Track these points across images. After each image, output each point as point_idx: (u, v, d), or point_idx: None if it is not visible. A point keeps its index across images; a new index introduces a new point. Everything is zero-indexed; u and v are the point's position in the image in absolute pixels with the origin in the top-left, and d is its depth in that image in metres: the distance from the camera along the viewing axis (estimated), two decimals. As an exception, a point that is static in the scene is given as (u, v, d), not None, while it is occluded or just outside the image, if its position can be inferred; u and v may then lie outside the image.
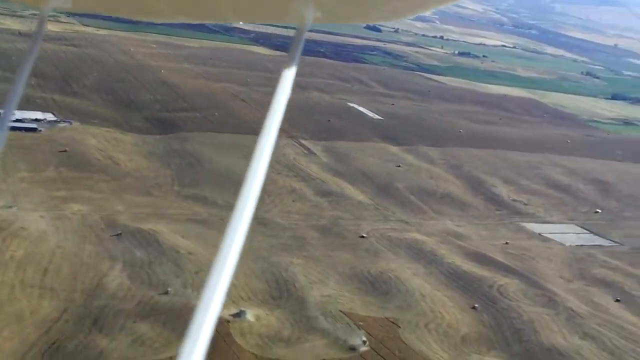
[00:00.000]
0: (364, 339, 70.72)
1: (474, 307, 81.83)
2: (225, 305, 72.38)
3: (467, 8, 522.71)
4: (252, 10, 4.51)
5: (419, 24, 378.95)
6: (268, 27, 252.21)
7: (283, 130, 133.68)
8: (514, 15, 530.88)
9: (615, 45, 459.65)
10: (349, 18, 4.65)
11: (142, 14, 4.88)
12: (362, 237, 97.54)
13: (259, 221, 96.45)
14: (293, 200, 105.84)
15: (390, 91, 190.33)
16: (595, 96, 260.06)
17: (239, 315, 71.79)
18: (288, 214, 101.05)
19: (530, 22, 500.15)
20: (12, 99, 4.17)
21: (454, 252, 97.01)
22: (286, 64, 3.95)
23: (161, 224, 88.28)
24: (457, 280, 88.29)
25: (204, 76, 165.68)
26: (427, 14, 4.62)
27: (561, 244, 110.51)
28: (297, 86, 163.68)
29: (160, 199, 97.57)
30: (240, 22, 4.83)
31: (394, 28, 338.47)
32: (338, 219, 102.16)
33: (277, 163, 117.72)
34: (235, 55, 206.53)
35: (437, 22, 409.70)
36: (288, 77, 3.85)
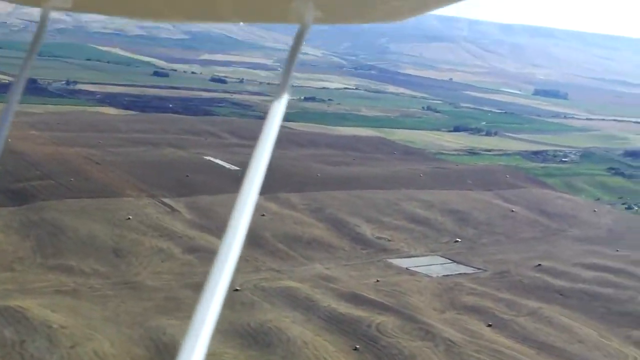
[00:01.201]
0: (253, 393, 70.08)
1: (356, 349, 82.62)
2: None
3: (307, 54, 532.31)
4: (252, 10, 4.52)
5: (262, 73, 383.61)
6: (115, 86, 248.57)
7: (141, 190, 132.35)
8: (352, 57, 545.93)
9: (450, 79, 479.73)
10: (349, 18, 4.68)
11: (143, 14, 4.89)
12: (236, 290, 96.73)
13: (129, 285, 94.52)
14: (162, 261, 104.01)
15: (244, 141, 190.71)
16: (438, 129, 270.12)
17: (121, 385, 69.65)
18: (159, 275, 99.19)
19: (368, 63, 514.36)
20: (12, 100, 4.15)
21: (328, 295, 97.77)
22: (285, 65, 4.03)
23: (28, 299, 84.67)
24: (335, 323, 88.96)
25: (53, 142, 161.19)
26: (426, 14, 4.69)
27: (428, 275, 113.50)
28: (149, 143, 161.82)
29: (24, 273, 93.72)
30: (241, 23, 4.78)
31: (238, 79, 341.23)
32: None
33: (140, 224, 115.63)
34: (84, 118, 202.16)
35: (280, 69, 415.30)
36: (287, 79, 3.94)
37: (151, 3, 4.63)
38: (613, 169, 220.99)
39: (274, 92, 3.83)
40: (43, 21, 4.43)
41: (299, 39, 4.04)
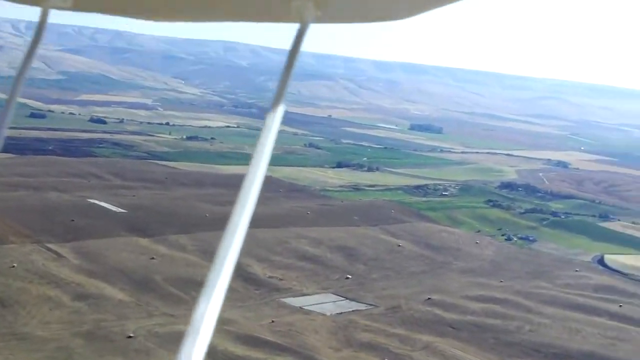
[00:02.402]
0: None
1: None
2: None
3: (185, 92, 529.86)
4: (252, 10, 4.56)
5: (142, 112, 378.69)
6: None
7: (25, 236, 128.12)
8: (232, 96, 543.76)
9: (330, 116, 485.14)
10: (349, 18, 4.64)
11: (143, 14, 4.91)
12: (130, 337, 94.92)
13: (17, 336, 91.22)
14: (50, 309, 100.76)
15: (128, 182, 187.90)
16: (321, 166, 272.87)
17: None
18: (48, 325, 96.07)
19: (248, 101, 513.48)
20: (11, 100, 4.14)
21: (224, 338, 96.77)
22: (286, 64, 4.02)
23: None
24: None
25: None
26: (427, 14, 4.70)
27: (322, 314, 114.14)
28: (31, 187, 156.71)
29: None
30: (241, 22, 4.78)
31: (118, 119, 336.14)
32: (101, 322, 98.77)
33: (26, 271, 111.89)
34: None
35: (160, 108, 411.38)
36: (287, 77, 3.96)
37: (151, 3, 4.67)
38: (491, 201, 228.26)
39: (275, 90, 3.91)
40: (43, 21, 4.41)
41: (299, 39, 4.04)
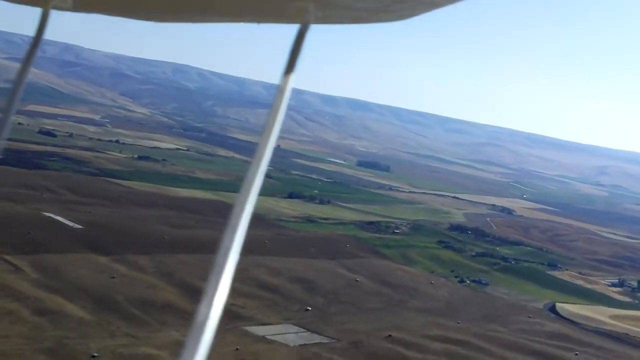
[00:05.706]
0: None
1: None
2: None
3: (134, 112, 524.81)
4: (252, 10, 4.49)
5: (91, 128, 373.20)
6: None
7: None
8: (180, 118, 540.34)
9: (278, 145, 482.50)
10: (349, 19, 4.55)
11: (143, 15, 4.91)
12: (94, 356, 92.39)
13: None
14: (11, 323, 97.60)
15: (83, 198, 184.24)
16: (274, 196, 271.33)
17: None
18: (8, 339, 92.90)
19: (197, 125, 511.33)
20: (12, 101, 4.15)
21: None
22: (287, 65, 3.98)
23: None
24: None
25: None
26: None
27: (285, 344, 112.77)
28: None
29: None
30: (241, 22, 4.62)
31: (67, 133, 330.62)
32: (63, 339, 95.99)
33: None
34: None
35: (109, 125, 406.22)
36: (288, 79, 3.91)
37: (151, 4, 4.69)
38: (443, 242, 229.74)
39: (276, 90, 3.83)
40: (43, 21, 4.42)
41: (299, 39, 3.98)
